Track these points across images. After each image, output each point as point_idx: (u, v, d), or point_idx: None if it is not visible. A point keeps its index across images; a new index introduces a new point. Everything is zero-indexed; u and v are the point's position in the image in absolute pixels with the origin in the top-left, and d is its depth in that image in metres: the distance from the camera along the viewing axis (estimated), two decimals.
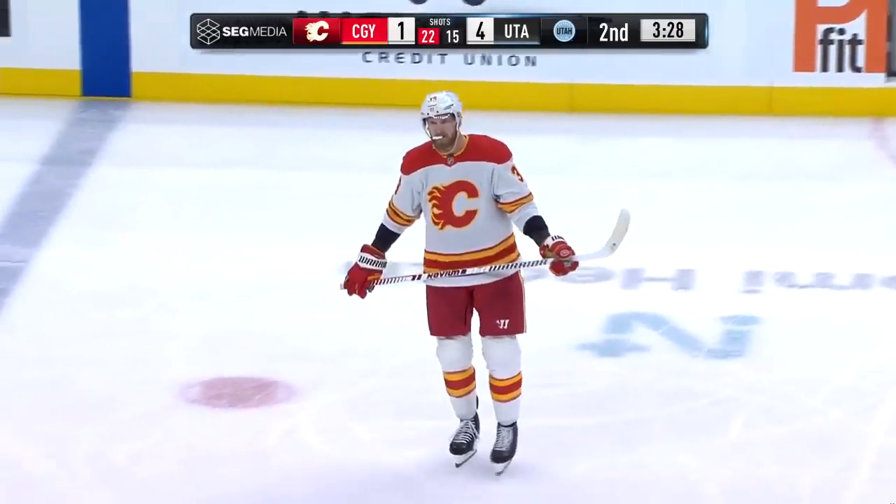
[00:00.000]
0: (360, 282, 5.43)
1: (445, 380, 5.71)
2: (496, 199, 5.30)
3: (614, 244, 5.34)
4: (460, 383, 5.69)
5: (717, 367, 7.99)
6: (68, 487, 6.07)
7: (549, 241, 5.25)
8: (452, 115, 5.21)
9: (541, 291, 8.84)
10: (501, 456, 5.74)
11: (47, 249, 10.42)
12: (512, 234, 5.48)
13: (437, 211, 5.32)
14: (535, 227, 5.33)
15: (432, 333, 5.59)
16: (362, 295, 5.48)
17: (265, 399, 7.21)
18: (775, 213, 11.56)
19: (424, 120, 5.24)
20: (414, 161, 5.39)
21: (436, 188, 5.29)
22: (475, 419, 5.88)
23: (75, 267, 9.94)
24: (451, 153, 5.28)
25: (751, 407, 7.20)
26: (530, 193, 5.40)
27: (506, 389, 5.63)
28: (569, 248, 5.22)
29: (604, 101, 14.13)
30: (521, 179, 5.37)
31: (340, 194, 11.30)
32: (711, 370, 7.93)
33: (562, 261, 5.22)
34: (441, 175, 5.29)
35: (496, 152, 5.35)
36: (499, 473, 5.76)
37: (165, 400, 7.16)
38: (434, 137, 5.23)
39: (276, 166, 12.93)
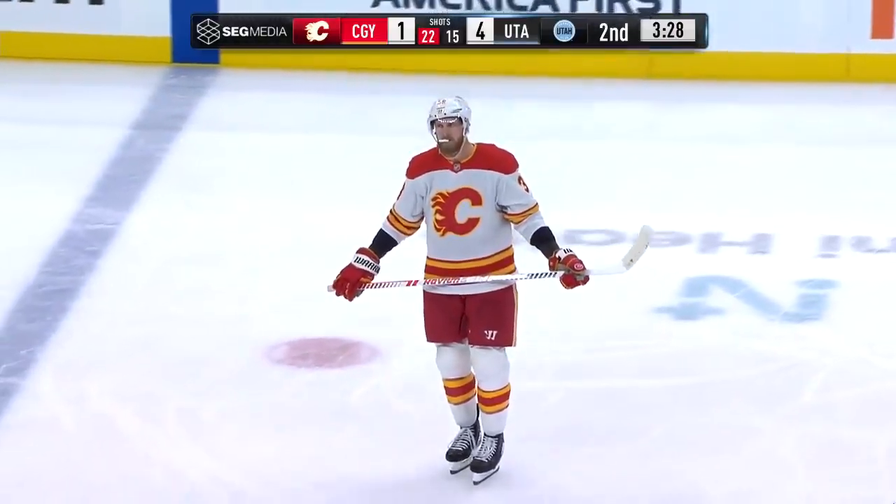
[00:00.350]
0: (351, 282, 5.31)
1: (444, 386, 5.59)
2: (502, 209, 5.24)
3: (631, 260, 5.22)
4: (458, 390, 5.56)
5: (793, 331, 8.01)
6: (159, 444, 6.25)
7: (560, 254, 5.17)
8: (460, 119, 5.13)
9: (617, 255, 8.95)
10: (481, 466, 5.54)
11: (138, 212, 10.56)
12: (510, 247, 5.38)
13: (439, 217, 5.23)
14: (544, 239, 5.27)
15: (428, 339, 5.53)
16: (350, 297, 5.36)
17: (349, 359, 7.33)
18: (852, 178, 11.47)
19: (431, 123, 5.17)
20: (420, 165, 5.32)
21: (440, 194, 5.21)
22: (475, 427, 5.71)
23: (165, 229, 10.10)
24: (457, 160, 5.20)
25: (826, 370, 7.23)
26: (536, 204, 5.32)
27: (491, 401, 5.46)
28: (581, 263, 5.11)
29: (682, 68, 14.02)
30: (528, 190, 5.30)
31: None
32: (787, 333, 7.96)
33: (574, 274, 5.11)
34: (446, 181, 5.22)
35: (503, 162, 5.27)
36: (476, 483, 5.57)
37: (252, 359, 7.33)
38: (440, 141, 5.16)
39: (363, 131, 12.97)
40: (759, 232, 9.87)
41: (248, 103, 13.88)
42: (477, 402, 5.58)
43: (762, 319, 8.18)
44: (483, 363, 5.36)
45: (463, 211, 5.18)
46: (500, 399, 5.46)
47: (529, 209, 5.27)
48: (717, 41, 13.82)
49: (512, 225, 5.32)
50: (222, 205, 10.67)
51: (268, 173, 11.70)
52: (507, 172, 5.22)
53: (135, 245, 9.78)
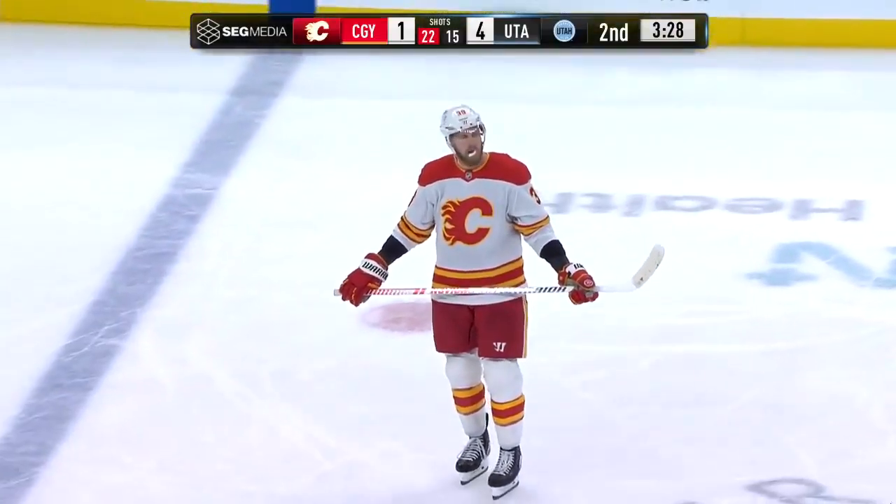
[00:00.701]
0: (359, 286, 5.22)
1: (453, 397, 5.44)
2: (512, 220, 5.11)
3: (641, 279, 5.03)
4: (468, 401, 5.41)
5: (884, 297, 7.99)
6: (255, 404, 6.37)
7: (570, 269, 5.03)
8: (481, 126, 5.06)
9: (709, 221, 8.95)
10: (499, 480, 5.37)
11: (236, 177, 10.67)
12: (520, 258, 5.25)
13: (448, 226, 5.12)
14: (554, 252, 5.13)
15: (437, 349, 5.41)
16: (356, 302, 5.26)
17: None
18: None
19: (452, 135, 5.07)
20: (432, 173, 5.23)
21: (451, 202, 5.11)
22: (484, 437, 5.56)
23: (262, 194, 10.19)
24: (469, 168, 5.10)
25: None
26: (547, 216, 5.20)
27: (505, 413, 5.29)
28: (591, 279, 4.98)
29: (776, 35, 13.87)
30: (539, 202, 5.18)
31: (519, 126, 11.30)
32: (879, 300, 7.93)
33: (583, 290, 4.99)
34: (458, 189, 5.11)
35: (516, 173, 5.15)
36: (496, 497, 5.39)
37: (347, 323, 7.35)
38: (468, 152, 5.05)
39: (460, 97, 12.95)
40: (850, 198, 9.74)
41: (345, 70, 13.90)
42: (490, 413, 5.46)
43: (853, 286, 8.12)
44: (494, 375, 5.25)
45: (473, 220, 5.09)
46: (513, 411, 5.31)
47: (540, 221, 5.16)
48: (812, 9, 13.71)
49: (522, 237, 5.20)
50: (318, 170, 10.74)
51: (363, 139, 11.74)
52: (519, 183, 5.11)
53: (232, 209, 9.88)
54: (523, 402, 5.32)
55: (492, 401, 5.33)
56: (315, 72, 13.83)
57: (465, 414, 5.46)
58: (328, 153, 11.30)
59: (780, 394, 6.37)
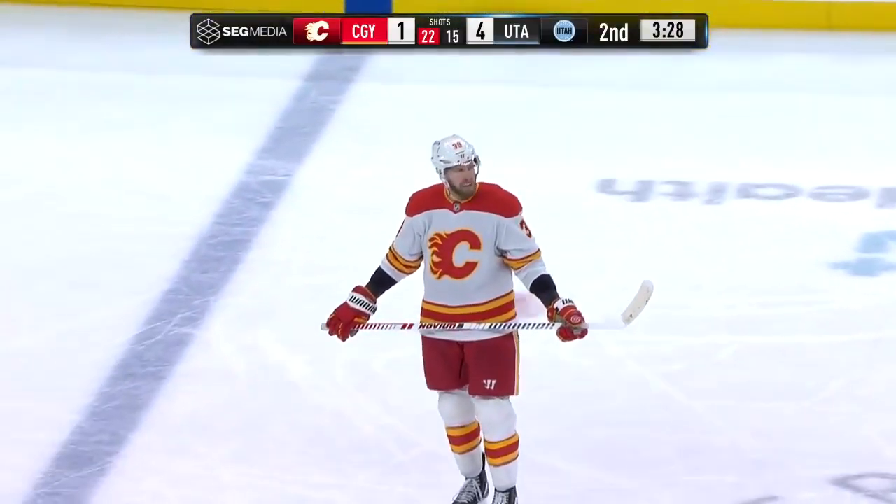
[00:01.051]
0: (345, 321, 5.04)
1: (447, 435, 5.21)
2: (502, 254, 4.91)
3: (631, 315, 4.78)
4: (462, 439, 5.17)
5: None
6: (329, 393, 6.34)
7: (558, 304, 4.81)
8: (476, 158, 4.86)
9: (793, 209, 8.82)
10: None
11: (310, 164, 10.67)
12: (510, 293, 5.03)
13: (436, 259, 4.93)
14: (544, 287, 4.91)
15: (428, 387, 5.19)
16: (344, 337, 5.08)
17: (522, 309, 7.30)
18: None
19: (447, 168, 4.83)
20: (419, 203, 5.00)
21: (438, 234, 4.91)
22: (481, 477, 5.31)
23: (336, 180, 10.19)
24: (457, 200, 4.89)
25: None
26: (538, 250, 4.97)
27: (498, 453, 5.04)
28: (580, 315, 4.75)
29: (862, 19, 13.69)
30: (530, 235, 4.95)
31: (596, 112, 11.23)
32: None
33: (571, 327, 4.76)
34: (445, 221, 4.91)
35: (505, 205, 4.92)
36: None
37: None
38: (463, 186, 4.84)
39: (535, 83, 12.92)
40: None
41: (420, 55, 13.88)
42: (483, 451, 5.22)
43: None
44: (485, 414, 5.00)
45: (461, 254, 4.89)
46: (507, 450, 5.05)
47: (530, 255, 4.93)
48: None
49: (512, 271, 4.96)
50: (392, 156, 10.71)
51: (437, 125, 11.66)
52: (508, 216, 4.89)
53: (306, 196, 9.86)
54: (517, 442, 5.08)
55: (484, 440, 5.12)
56: (390, 57, 13.81)
57: (460, 453, 5.22)
58: (402, 139, 11.25)
59: (864, 386, 6.27)
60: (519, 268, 4.91)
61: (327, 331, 5.07)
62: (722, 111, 11.09)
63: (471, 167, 4.84)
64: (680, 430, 5.89)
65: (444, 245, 4.89)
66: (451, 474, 5.43)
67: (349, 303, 5.06)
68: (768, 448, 5.69)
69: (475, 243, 4.86)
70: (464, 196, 4.88)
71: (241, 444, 5.88)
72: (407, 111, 12.16)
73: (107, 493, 5.46)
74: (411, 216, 4.99)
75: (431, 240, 4.92)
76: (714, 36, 13.66)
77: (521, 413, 5.33)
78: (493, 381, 4.93)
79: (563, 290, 4.87)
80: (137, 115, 11.91)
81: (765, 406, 6.05)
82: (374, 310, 5.08)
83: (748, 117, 11.42)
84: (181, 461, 5.71)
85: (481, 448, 5.20)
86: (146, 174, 10.45)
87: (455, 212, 4.89)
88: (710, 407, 6.03)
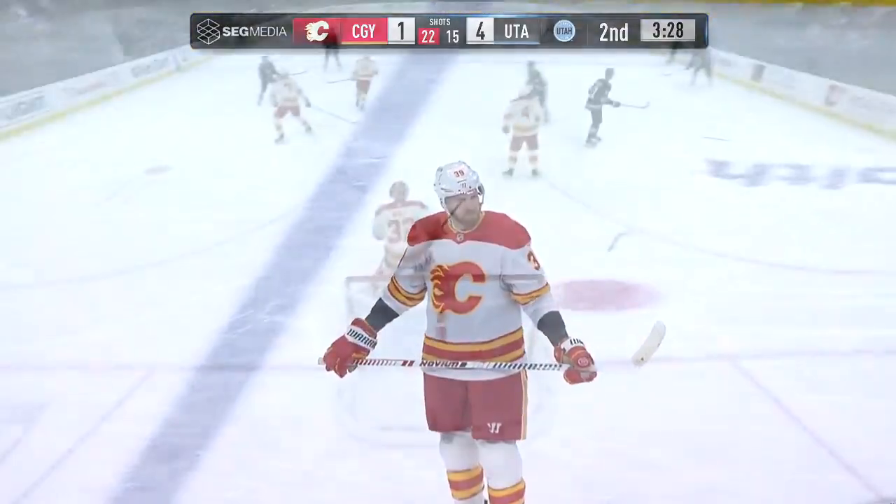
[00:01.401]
0: (343, 356, 4.62)
1: (448, 479, 4.93)
2: (508, 288, 4.57)
3: (642, 358, 4.36)
4: (464, 484, 4.90)
5: None
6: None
7: (566, 345, 4.36)
8: (480, 187, 4.55)
9: None
10: None
11: (406, 146, 10.62)
12: (519, 330, 4.67)
13: (438, 292, 4.59)
14: (551, 325, 4.50)
15: (429, 428, 4.82)
16: (342, 373, 4.64)
17: (625, 303, 7.14)
18: None
19: (448, 197, 4.53)
20: (421, 232, 4.67)
21: (440, 267, 4.57)
22: None
23: (430, 161, 10.09)
24: (463, 229, 4.56)
25: None
26: (547, 284, 4.57)
27: (502, 501, 4.72)
28: (588, 357, 4.30)
29: None
30: (538, 267, 4.56)
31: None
32: None
33: (578, 370, 4.31)
34: (448, 253, 4.57)
35: (511, 236, 4.55)
36: None
37: None
38: (466, 216, 4.51)
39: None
40: None
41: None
42: (485, 499, 4.93)
43: None
44: (490, 459, 4.69)
45: (463, 288, 4.54)
46: (512, 498, 4.74)
47: (538, 290, 4.55)
48: None
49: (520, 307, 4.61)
50: (489, 136, 10.66)
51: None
52: (514, 247, 4.51)
53: (402, 178, 9.75)
54: (523, 489, 4.78)
55: (489, 486, 4.78)
56: None
57: (462, 499, 4.96)
58: (499, 120, 11.09)
59: None
60: (526, 303, 4.56)
61: (324, 365, 4.65)
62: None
63: (474, 196, 4.53)
64: (792, 428, 5.65)
65: (447, 278, 4.57)
66: (560, 469, 5.41)
67: (347, 337, 4.67)
68: (889, 448, 5.44)
69: (479, 276, 4.54)
70: (467, 225, 4.57)
71: (334, 439, 5.75)
72: (500, 91, 12.04)
73: (195, 489, 5.32)
74: (412, 245, 4.69)
75: (433, 272, 4.60)
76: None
77: (620, 412, 5.13)
78: (499, 425, 4.64)
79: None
80: (233, 99, 12.01)
81: (886, 403, 5.88)
82: (373, 344, 4.70)
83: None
84: (270, 457, 5.58)
85: (484, 495, 4.93)
86: (241, 158, 10.51)
87: (458, 242, 4.57)
88: (826, 403, 5.83)
